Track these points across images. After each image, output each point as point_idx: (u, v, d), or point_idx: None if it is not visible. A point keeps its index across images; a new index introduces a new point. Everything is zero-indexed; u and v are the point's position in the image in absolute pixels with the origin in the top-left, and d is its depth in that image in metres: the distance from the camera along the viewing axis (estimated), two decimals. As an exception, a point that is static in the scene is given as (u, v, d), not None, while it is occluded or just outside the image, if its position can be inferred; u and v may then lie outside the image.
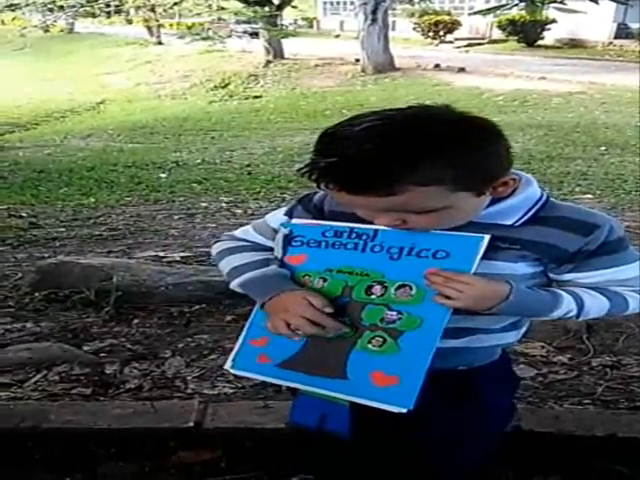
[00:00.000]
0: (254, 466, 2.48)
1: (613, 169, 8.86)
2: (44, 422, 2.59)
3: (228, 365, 1.70)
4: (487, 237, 1.51)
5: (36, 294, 4.01)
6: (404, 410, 1.47)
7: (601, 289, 1.63)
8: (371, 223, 1.58)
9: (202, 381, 3.01)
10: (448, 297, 1.49)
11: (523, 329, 1.76)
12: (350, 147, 1.39)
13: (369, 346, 1.54)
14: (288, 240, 1.69)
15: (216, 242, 1.90)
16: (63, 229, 6.04)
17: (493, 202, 1.56)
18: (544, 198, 1.60)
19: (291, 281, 1.64)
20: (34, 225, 6.21)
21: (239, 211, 6.88)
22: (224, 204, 7.26)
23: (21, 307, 3.90)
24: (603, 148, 10.64)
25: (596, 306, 1.62)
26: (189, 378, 3.05)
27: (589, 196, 7.29)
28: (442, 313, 1.51)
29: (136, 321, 3.67)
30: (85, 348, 3.37)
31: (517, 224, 1.57)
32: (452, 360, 1.65)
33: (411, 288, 1.53)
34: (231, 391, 2.91)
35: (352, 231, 1.62)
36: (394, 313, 1.53)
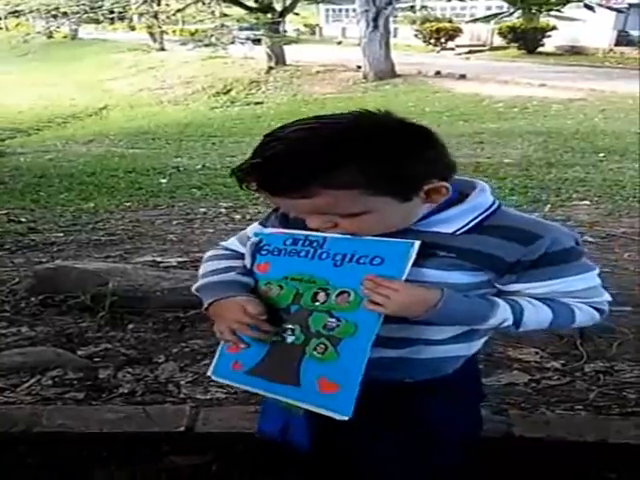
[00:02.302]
0: (245, 471, 2.49)
1: (611, 175, 8.83)
2: (36, 426, 2.60)
3: (209, 372, 1.73)
4: (417, 243, 1.49)
5: (32, 298, 4.03)
6: (345, 417, 1.49)
7: (548, 300, 1.60)
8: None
9: (195, 386, 3.02)
10: (377, 303, 1.48)
11: (478, 341, 1.73)
12: (271, 149, 1.42)
13: (314, 353, 1.56)
14: (257, 249, 1.70)
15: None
16: (61, 234, 6.05)
17: (440, 209, 1.55)
18: (494, 207, 1.58)
19: (242, 289, 1.65)
20: (33, 230, 6.21)
21: (238, 216, 6.87)
22: (223, 209, 7.25)
23: (17, 311, 3.91)
24: (602, 154, 10.60)
25: (536, 317, 1.59)
26: (182, 383, 3.06)
27: (587, 202, 7.27)
28: (373, 320, 1.51)
29: (131, 326, 3.68)
30: (79, 353, 3.38)
31: (458, 232, 1.55)
32: (394, 372, 1.64)
33: (349, 295, 1.54)
34: (223, 396, 2.92)
35: (306, 239, 1.63)
36: (334, 320, 1.54)
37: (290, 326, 1.59)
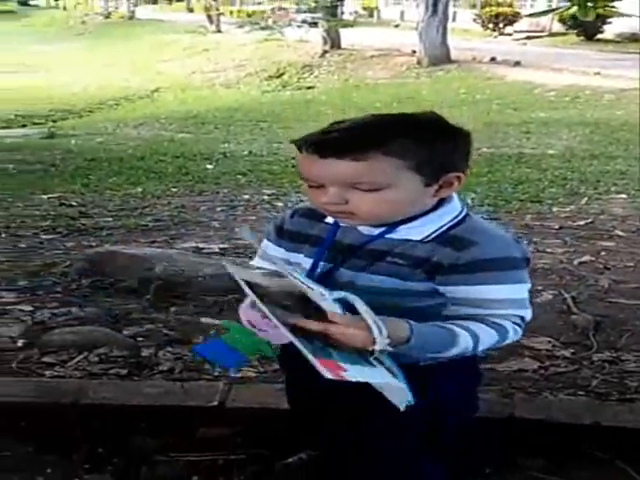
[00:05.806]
0: (267, 442, 2.69)
1: (653, 169, 8.80)
2: (83, 398, 2.86)
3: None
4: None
5: (83, 281, 4.29)
6: None
7: (485, 321, 1.70)
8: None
9: (229, 365, 3.24)
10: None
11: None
12: (338, 124, 1.76)
13: None
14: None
15: None
16: (110, 219, 6.31)
17: (410, 219, 1.74)
18: (460, 216, 1.76)
19: None
20: (83, 214, 6.47)
21: (280, 204, 7.01)
22: (266, 196, 7.42)
23: (68, 293, 4.17)
24: (646, 147, 10.51)
25: (487, 337, 1.70)
26: (217, 362, 3.28)
27: (623, 196, 7.29)
28: None
29: (173, 308, 3.91)
30: (125, 332, 3.61)
31: (426, 240, 1.73)
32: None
33: None
34: (254, 375, 3.14)
35: None
36: None
37: None
